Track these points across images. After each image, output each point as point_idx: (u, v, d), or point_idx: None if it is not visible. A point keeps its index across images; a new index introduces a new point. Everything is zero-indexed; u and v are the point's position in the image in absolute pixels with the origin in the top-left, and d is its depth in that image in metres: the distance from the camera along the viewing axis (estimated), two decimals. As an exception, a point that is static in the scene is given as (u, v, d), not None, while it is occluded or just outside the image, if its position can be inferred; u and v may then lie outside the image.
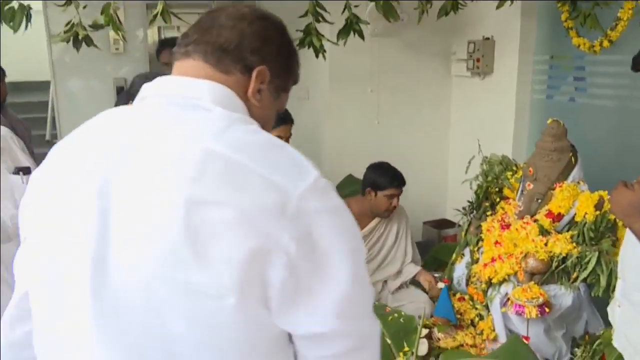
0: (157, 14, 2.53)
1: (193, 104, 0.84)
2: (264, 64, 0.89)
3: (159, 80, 0.90)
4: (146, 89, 0.90)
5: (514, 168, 2.76)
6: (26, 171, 2.10)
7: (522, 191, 2.58)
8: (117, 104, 2.59)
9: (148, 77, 2.19)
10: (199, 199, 0.72)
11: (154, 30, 4.16)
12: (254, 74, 0.89)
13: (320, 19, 2.76)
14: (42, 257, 0.84)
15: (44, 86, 4.79)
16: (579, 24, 3.09)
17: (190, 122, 0.81)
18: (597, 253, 2.21)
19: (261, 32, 0.91)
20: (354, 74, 3.61)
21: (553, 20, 3.39)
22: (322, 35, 2.78)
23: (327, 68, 3.52)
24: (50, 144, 4.18)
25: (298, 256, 0.74)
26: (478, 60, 3.59)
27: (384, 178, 2.75)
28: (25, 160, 2.15)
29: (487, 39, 3.63)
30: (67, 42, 2.50)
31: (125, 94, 2.69)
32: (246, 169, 0.74)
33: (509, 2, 3.11)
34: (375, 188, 2.75)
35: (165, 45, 3.46)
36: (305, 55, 3.76)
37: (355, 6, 2.81)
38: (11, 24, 2.34)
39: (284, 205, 0.73)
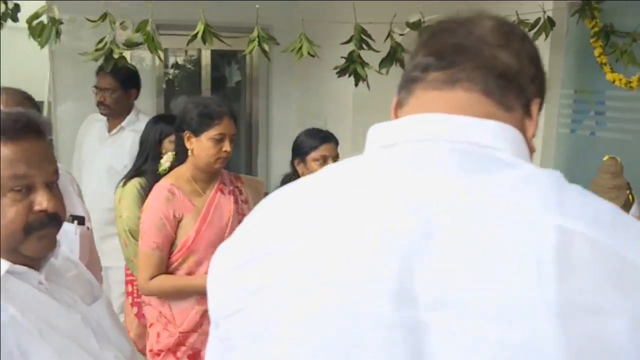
0: (196, 33, 2.34)
1: (491, 156, 0.60)
2: (539, 96, 0.68)
3: (417, 120, 0.65)
4: (394, 131, 0.66)
5: (565, 205, 2.66)
6: (81, 221, 1.74)
7: (577, 230, 2.49)
8: (150, 133, 2.36)
9: (200, 104, 1.96)
10: (575, 304, 0.51)
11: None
12: (534, 109, 0.67)
13: (364, 46, 2.61)
14: None
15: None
16: (612, 59, 3.07)
17: (508, 183, 0.57)
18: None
19: (533, 53, 0.69)
20: (378, 105, 3.47)
21: (579, 54, 3.37)
22: (367, 64, 2.62)
23: (350, 98, 3.38)
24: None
25: None
26: (504, 92, 3.53)
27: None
28: (81, 209, 1.85)
29: (512, 71, 3.58)
30: (97, 60, 2.28)
31: (164, 120, 2.43)
32: (621, 258, 0.54)
33: (543, 35, 3.07)
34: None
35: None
36: (324, 85, 3.64)
37: (401, 34, 2.68)
38: (39, 39, 2.10)
39: None
